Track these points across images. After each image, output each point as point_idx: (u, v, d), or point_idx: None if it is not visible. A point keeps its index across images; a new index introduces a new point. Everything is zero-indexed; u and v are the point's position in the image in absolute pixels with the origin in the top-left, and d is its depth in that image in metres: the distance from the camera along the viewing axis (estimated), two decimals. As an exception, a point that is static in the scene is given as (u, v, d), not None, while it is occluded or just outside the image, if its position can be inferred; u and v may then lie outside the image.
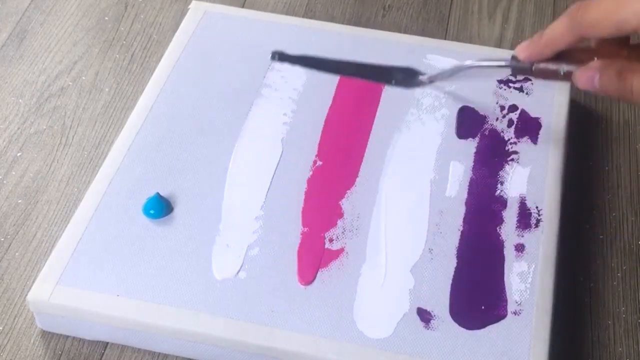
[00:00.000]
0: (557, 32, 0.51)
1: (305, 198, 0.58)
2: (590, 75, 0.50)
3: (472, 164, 0.60)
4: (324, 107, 0.64)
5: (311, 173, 0.59)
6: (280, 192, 0.58)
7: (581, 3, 0.49)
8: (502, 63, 0.55)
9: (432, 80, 0.61)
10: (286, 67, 0.66)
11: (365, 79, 0.64)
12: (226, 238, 0.55)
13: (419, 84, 0.61)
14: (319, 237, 0.55)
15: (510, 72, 0.54)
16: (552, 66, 0.52)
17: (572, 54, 0.52)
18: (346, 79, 0.65)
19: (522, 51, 0.53)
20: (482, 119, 0.63)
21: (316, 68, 0.64)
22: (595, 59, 0.50)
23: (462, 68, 0.58)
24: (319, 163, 0.60)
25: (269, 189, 0.58)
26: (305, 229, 0.56)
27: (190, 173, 0.59)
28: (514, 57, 0.53)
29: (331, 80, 0.65)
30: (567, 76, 0.52)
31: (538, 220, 0.57)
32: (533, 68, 0.53)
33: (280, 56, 0.64)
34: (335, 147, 0.61)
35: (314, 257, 0.54)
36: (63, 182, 0.62)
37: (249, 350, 0.51)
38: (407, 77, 0.62)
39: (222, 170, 0.59)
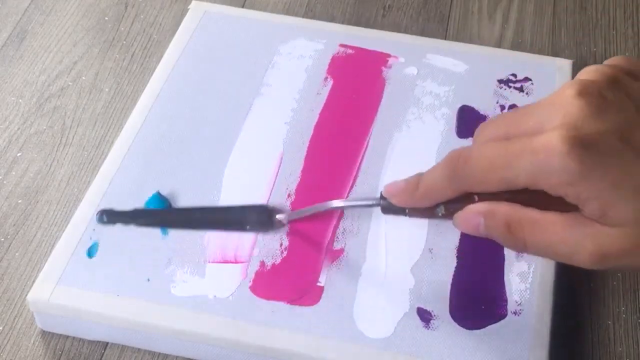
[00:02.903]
0: (437, 184, 0.45)
1: (305, 197, 0.58)
2: (474, 223, 0.44)
3: (472, 163, 0.60)
4: (324, 106, 0.64)
5: (311, 172, 0.59)
6: (281, 192, 0.58)
7: (462, 151, 0.44)
8: (371, 202, 0.49)
9: (290, 219, 0.55)
10: (286, 66, 0.66)
11: (216, 229, 0.55)
12: (226, 239, 0.55)
13: (276, 225, 0.55)
14: (319, 241, 0.56)
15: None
16: (426, 210, 0.46)
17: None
18: (341, 78, 0.65)
19: (395, 196, 0.47)
20: (483, 118, 0.63)
21: (155, 224, 0.55)
22: (476, 198, 0.44)
23: (327, 207, 0.54)
24: (320, 162, 0.60)
25: (270, 190, 0.58)
26: (305, 230, 0.56)
27: (190, 173, 0.59)
28: (384, 197, 0.47)
29: (331, 79, 0.65)
30: (446, 216, 0.46)
31: (538, 220, 0.57)
32: (407, 210, 0.47)
33: (110, 216, 0.55)
34: (335, 146, 0.61)
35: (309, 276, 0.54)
36: (63, 182, 0.62)
37: (249, 350, 0.51)
38: (262, 218, 0.55)
39: (222, 170, 0.59)
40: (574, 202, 0.40)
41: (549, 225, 0.42)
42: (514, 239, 0.43)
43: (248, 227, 0.55)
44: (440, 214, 0.45)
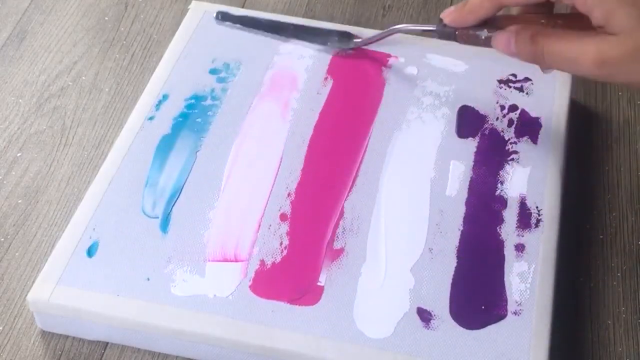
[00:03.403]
0: (478, 0, 0.54)
1: (305, 198, 0.58)
2: (507, 38, 0.53)
3: (472, 163, 0.60)
4: (324, 105, 0.64)
5: (312, 172, 0.59)
6: (281, 191, 0.58)
7: None
8: (429, 27, 0.58)
9: (365, 44, 0.67)
10: (286, 66, 0.66)
11: (303, 40, 0.68)
12: (226, 237, 0.55)
13: (353, 45, 0.67)
14: (319, 240, 0.56)
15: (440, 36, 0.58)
16: (473, 31, 0.55)
17: (495, 20, 0.55)
18: (341, 78, 0.65)
19: (447, 15, 0.56)
20: (483, 118, 0.63)
21: (257, 28, 0.69)
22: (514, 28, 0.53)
23: (392, 32, 0.64)
24: (320, 162, 0.60)
25: (270, 189, 0.58)
26: (305, 230, 0.56)
27: (190, 172, 0.59)
28: (440, 21, 0.57)
29: (331, 79, 0.65)
30: (488, 41, 0.55)
31: (538, 220, 0.57)
32: (457, 32, 0.56)
33: (224, 16, 0.69)
34: (335, 146, 0.61)
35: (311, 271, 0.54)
36: (63, 182, 0.62)
37: (249, 350, 0.51)
38: (342, 39, 0.68)
39: (221, 169, 0.59)
40: (583, 10, 0.49)
41: (564, 36, 0.51)
42: (535, 48, 0.51)
43: (329, 43, 0.67)
44: (483, 37, 0.55)
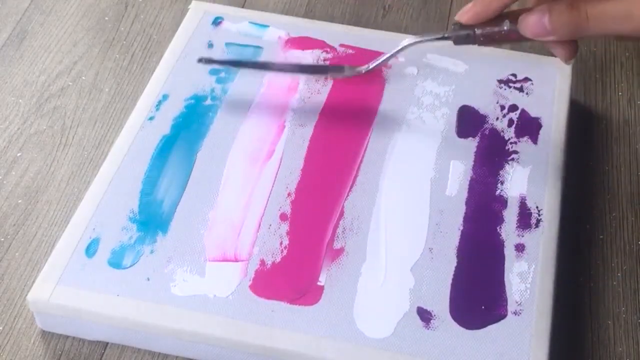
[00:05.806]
0: None
1: (305, 198, 0.58)
2: (538, 18, 0.49)
3: (472, 163, 0.60)
4: (324, 106, 0.64)
5: (312, 171, 0.59)
6: (281, 191, 0.58)
7: None
8: (442, 35, 0.55)
9: (367, 70, 0.62)
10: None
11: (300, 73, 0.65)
12: (226, 237, 0.55)
13: (355, 72, 0.63)
14: (319, 240, 0.56)
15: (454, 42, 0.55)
16: (493, 27, 0.52)
17: (510, 15, 0.52)
18: (341, 78, 0.65)
19: (465, 14, 0.52)
20: (483, 118, 0.63)
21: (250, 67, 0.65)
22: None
23: (403, 49, 0.58)
24: (319, 162, 0.60)
25: (270, 189, 0.58)
26: (305, 230, 0.56)
27: (190, 172, 0.59)
28: (455, 24, 0.54)
29: (331, 79, 0.65)
30: (512, 33, 0.52)
31: (538, 220, 0.57)
32: (475, 31, 0.53)
33: (207, 61, 0.64)
34: (335, 146, 0.61)
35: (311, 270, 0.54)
36: (63, 182, 0.62)
37: (249, 350, 0.51)
38: (347, 69, 0.64)
39: (221, 169, 0.59)
40: None
41: None
42: (576, 15, 0.48)
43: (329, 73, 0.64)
44: (506, 28, 0.52)
